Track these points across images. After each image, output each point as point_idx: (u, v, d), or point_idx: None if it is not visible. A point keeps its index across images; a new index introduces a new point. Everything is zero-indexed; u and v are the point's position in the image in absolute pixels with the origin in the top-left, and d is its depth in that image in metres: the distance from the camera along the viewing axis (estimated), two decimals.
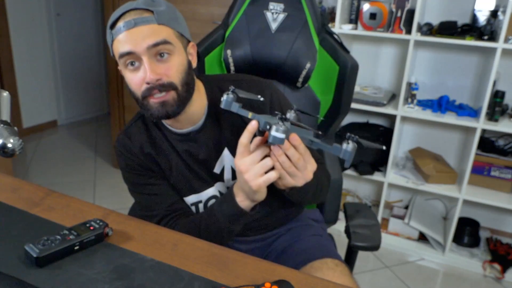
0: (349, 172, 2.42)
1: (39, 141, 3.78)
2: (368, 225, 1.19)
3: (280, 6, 1.25)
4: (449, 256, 2.28)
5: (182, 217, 1.03)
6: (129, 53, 0.85)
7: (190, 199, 1.05)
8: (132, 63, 0.86)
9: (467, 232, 2.35)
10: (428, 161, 2.33)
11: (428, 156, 2.41)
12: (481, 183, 2.24)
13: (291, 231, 1.14)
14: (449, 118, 2.13)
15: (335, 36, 1.29)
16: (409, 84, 2.24)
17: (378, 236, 1.15)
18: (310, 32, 1.25)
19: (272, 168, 0.81)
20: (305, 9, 1.25)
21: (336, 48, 1.26)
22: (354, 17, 2.27)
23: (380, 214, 2.44)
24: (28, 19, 3.67)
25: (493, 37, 2.02)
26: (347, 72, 1.24)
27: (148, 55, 0.84)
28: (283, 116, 0.75)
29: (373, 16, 2.17)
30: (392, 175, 2.36)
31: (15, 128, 0.83)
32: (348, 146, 0.74)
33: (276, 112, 0.78)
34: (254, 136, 0.81)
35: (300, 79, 1.26)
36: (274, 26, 1.25)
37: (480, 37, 2.04)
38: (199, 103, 0.97)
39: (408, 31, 2.11)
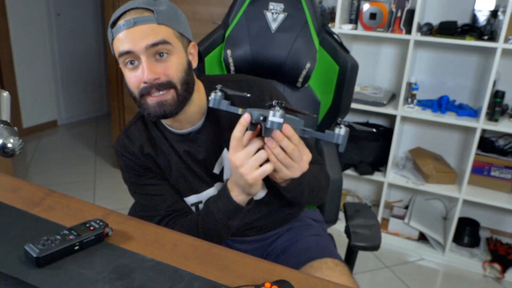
0: (349, 172, 2.42)
1: (39, 141, 3.78)
2: (368, 225, 1.19)
3: (280, 6, 1.25)
4: (449, 256, 2.28)
5: (182, 217, 1.03)
6: (128, 52, 0.85)
7: (190, 199, 1.05)
8: (131, 62, 0.86)
9: (467, 232, 2.35)
10: (428, 161, 2.33)
11: (428, 156, 2.41)
12: (481, 183, 2.24)
13: (291, 231, 1.14)
14: (449, 118, 2.13)
15: (335, 36, 1.29)
16: (409, 84, 2.24)
17: (378, 236, 1.15)
18: (310, 32, 1.25)
19: (267, 161, 0.81)
20: (305, 9, 1.25)
21: (336, 48, 1.26)
22: (354, 17, 2.27)
23: (380, 214, 2.44)
24: (28, 19, 3.67)
25: (493, 37, 2.02)
26: (347, 72, 1.24)
27: (147, 55, 0.84)
28: (279, 102, 0.75)
29: (373, 16, 2.17)
30: (392, 175, 2.36)
31: (15, 128, 0.83)
32: (341, 131, 0.75)
33: (268, 103, 0.78)
34: (247, 130, 0.81)
35: (300, 79, 1.26)
36: (274, 26, 1.25)
37: (480, 37, 2.04)
38: (199, 103, 0.97)
39: (408, 31, 2.11)
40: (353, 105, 2.23)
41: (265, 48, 1.25)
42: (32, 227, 0.87)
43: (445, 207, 2.56)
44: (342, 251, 1.22)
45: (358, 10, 2.22)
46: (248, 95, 0.85)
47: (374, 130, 0.78)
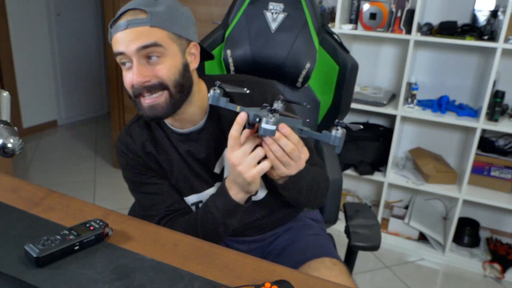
0: (349, 172, 2.42)
1: (39, 141, 3.78)
2: (368, 225, 1.19)
3: (279, 6, 1.25)
4: (449, 256, 2.28)
5: (182, 217, 1.03)
6: (121, 53, 0.86)
7: (190, 199, 1.05)
8: (126, 63, 0.87)
9: (467, 232, 2.35)
10: (428, 161, 2.33)
11: (428, 156, 2.41)
12: (481, 183, 2.24)
13: (290, 231, 1.14)
14: (449, 118, 2.13)
15: (335, 36, 1.29)
16: (409, 84, 2.24)
17: (378, 236, 1.15)
18: (310, 32, 1.25)
19: (265, 158, 0.81)
20: (305, 9, 1.25)
21: (336, 48, 1.26)
22: (354, 17, 2.27)
23: (380, 214, 2.44)
24: (28, 19, 3.67)
25: (493, 37, 2.02)
26: (347, 72, 1.24)
27: (138, 57, 0.85)
28: (272, 108, 0.76)
29: (373, 16, 2.17)
30: (392, 175, 2.36)
31: (15, 128, 0.83)
32: (338, 132, 0.76)
33: (265, 104, 0.78)
34: (244, 128, 0.81)
35: (300, 79, 1.26)
36: (274, 26, 1.25)
37: (480, 37, 2.04)
38: (200, 103, 0.97)
39: (408, 31, 2.11)
40: (353, 105, 2.23)
41: (265, 48, 1.25)
42: (32, 227, 0.87)
43: (445, 207, 2.56)
44: (342, 251, 1.22)
45: (358, 10, 2.22)
46: (247, 91, 0.85)
47: (361, 126, 0.80)
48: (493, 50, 1.96)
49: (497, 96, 2.05)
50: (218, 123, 0.99)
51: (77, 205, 0.98)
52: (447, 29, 2.08)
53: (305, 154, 0.82)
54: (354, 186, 2.76)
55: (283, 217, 1.14)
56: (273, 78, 1.28)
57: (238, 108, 0.80)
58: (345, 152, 2.41)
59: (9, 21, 3.51)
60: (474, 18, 2.15)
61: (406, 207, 2.55)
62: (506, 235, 2.44)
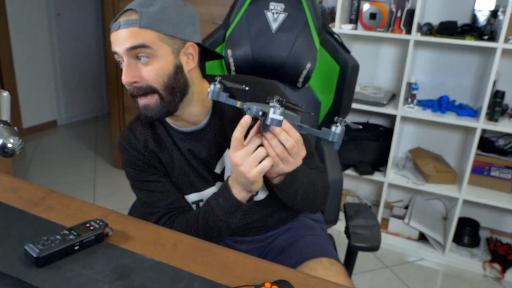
0: (349, 172, 2.42)
1: (39, 141, 3.78)
2: (368, 226, 1.19)
3: (280, 6, 1.25)
4: (449, 256, 2.28)
5: (182, 215, 1.03)
6: (115, 53, 0.88)
7: (191, 197, 1.05)
8: (121, 62, 0.89)
9: (467, 232, 2.35)
10: (428, 161, 2.33)
11: (428, 156, 2.41)
12: (481, 183, 2.24)
13: (290, 231, 1.14)
14: (449, 118, 2.13)
15: (336, 36, 1.29)
16: (409, 84, 2.24)
17: (377, 236, 1.15)
18: (311, 32, 1.25)
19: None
20: (306, 9, 1.25)
21: (336, 48, 1.26)
22: (354, 17, 2.27)
23: (380, 214, 2.44)
24: (28, 19, 3.67)
25: (493, 37, 2.02)
26: (347, 72, 1.24)
27: (127, 57, 0.86)
28: (280, 99, 0.76)
29: (373, 16, 2.17)
30: (392, 175, 2.36)
31: (15, 128, 0.83)
32: (337, 129, 0.76)
33: (269, 98, 0.79)
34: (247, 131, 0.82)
35: (301, 79, 1.26)
36: (274, 26, 1.25)
37: (480, 37, 2.04)
38: (202, 103, 0.97)
39: (408, 31, 2.11)
40: (353, 105, 2.23)
41: (266, 48, 1.25)
42: (32, 227, 0.87)
43: (445, 207, 2.56)
44: (342, 251, 1.22)
45: (358, 10, 2.22)
46: (246, 88, 0.85)
47: (361, 126, 0.81)
48: (493, 50, 1.96)
49: (497, 96, 2.05)
50: (220, 123, 1.00)
51: (77, 205, 0.98)
52: (447, 29, 2.08)
53: (303, 152, 0.82)
54: (354, 186, 2.76)
55: (283, 218, 1.14)
56: (274, 78, 1.28)
57: (238, 104, 0.80)
58: (345, 152, 2.41)
59: (9, 21, 3.51)
60: (474, 18, 2.15)
61: (406, 207, 2.55)
62: (506, 235, 2.44)
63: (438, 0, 2.25)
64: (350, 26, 2.23)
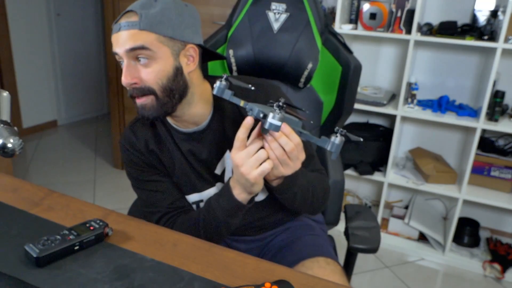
0: (349, 172, 2.42)
1: (39, 141, 3.78)
2: (368, 227, 1.18)
3: (282, 6, 1.25)
4: (449, 256, 2.28)
5: (183, 215, 1.03)
6: (116, 54, 0.88)
7: (192, 197, 1.05)
8: (122, 62, 0.89)
9: (467, 232, 2.35)
10: (428, 161, 2.33)
11: (428, 156, 2.41)
12: (481, 183, 2.24)
13: (289, 231, 1.14)
14: (449, 118, 2.13)
15: (339, 37, 1.28)
16: (409, 84, 2.24)
17: (377, 238, 1.14)
18: (313, 32, 1.25)
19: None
20: (307, 9, 1.25)
21: (339, 49, 1.26)
22: (354, 17, 2.27)
23: (380, 214, 2.44)
24: (28, 19, 3.67)
25: (493, 37, 2.02)
26: (350, 73, 1.23)
27: (127, 58, 0.86)
28: (280, 104, 0.76)
29: (373, 16, 2.17)
30: (392, 175, 2.36)
31: (15, 128, 0.83)
32: (336, 139, 0.76)
33: (271, 101, 0.79)
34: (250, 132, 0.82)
35: (302, 80, 1.26)
36: (276, 26, 1.25)
37: (480, 37, 2.04)
38: (203, 105, 0.97)
39: (408, 31, 2.11)
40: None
41: (267, 48, 1.25)
42: (32, 227, 0.87)
43: (445, 207, 2.56)
44: (343, 252, 1.22)
45: (358, 10, 2.22)
46: (252, 87, 0.86)
47: (361, 139, 0.81)
48: (493, 50, 1.96)
49: (497, 96, 2.05)
50: (221, 124, 1.00)
51: (77, 205, 0.98)
52: (447, 29, 2.08)
53: (302, 156, 0.82)
54: (354, 186, 2.76)
55: (282, 218, 1.14)
56: (275, 78, 1.28)
57: (242, 103, 0.80)
58: (345, 152, 2.41)
59: (9, 21, 3.51)
60: (474, 18, 2.15)
61: (406, 207, 2.55)
62: (506, 235, 2.44)
63: (438, 0, 2.25)
64: (350, 26, 2.23)
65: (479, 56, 2.26)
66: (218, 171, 1.03)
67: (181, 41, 0.89)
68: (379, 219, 2.45)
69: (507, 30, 1.89)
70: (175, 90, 0.90)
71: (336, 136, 0.76)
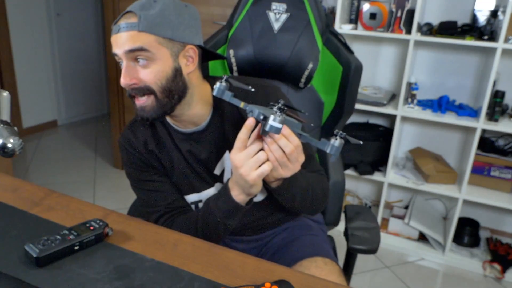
0: (349, 172, 2.42)
1: (39, 141, 3.78)
2: (367, 228, 1.18)
3: (282, 6, 1.25)
4: (449, 256, 2.28)
5: (181, 214, 1.03)
6: (115, 54, 0.88)
7: (190, 197, 1.05)
8: (121, 63, 0.89)
9: (467, 232, 2.35)
10: (428, 161, 2.33)
11: (428, 156, 2.41)
12: (481, 183, 2.24)
13: (287, 231, 1.14)
14: (449, 118, 2.13)
15: (340, 37, 1.28)
16: (409, 84, 2.24)
17: (376, 239, 1.14)
18: (313, 32, 1.25)
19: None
20: (308, 9, 1.25)
21: (340, 49, 1.26)
22: (354, 17, 2.27)
23: (380, 214, 2.44)
24: (28, 19, 3.67)
25: (493, 37, 2.02)
26: (350, 73, 1.23)
27: (127, 59, 0.87)
28: (281, 106, 0.76)
29: (373, 16, 2.17)
30: (392, 175, 2.36)
31: (15, 128, 0.83)
32: (336, 142, 0.76)
33: (272, 103, 0.79)
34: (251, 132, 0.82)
35: (303, 80, 1.26)
36: (276, 26, 1.25)
37: (480, 37, 2.04)
38: (202, 105, 0.97)
39: (408, 31, 2.11)
40: None
41: (268, 48, 1.25)
42: (32, 227, 0.87)
43: (445, 207, 2.56)
44: (343, 253, 1.22)
45: (358, 10, 2.22)
46: (252, 89, 0.86)
47: (361, 142, 0.81)
48: (493, 50, 1.96)
49: (497, 96, 2.05)
50: (221, 125, 0.99)
51: (77, 205, 0.98)
52: (447, 29, 2.08)
53: (302, 158, 0.82)
54: (354, 186, 2.76)
55: (281, 218, 1.14)
56: (276, 78, 1.28)
57: (242, 104, 0.80)
58: (345, 152, 2.41)
59: (9, 21, 3.50)
60: (474, 18, 2.15)
61: (406, 207, 2.55)
62: (506, 235, 2.44)
63: (438, 0, 2.25)
64: (350, 26, 2.23)
65: (479, 56, 2.26)
66: (217, 171, 1.03)
67: (181, 42, 0.89)
68: (379, 219, 2.46)
69: (507, 30, 1.89)
70: (174, 90, 0.90)
71: (336, 139, 0.76)
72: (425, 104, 2.28)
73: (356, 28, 2.25)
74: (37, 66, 3.85)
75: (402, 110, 2.21)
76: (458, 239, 2.35)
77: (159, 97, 0.89)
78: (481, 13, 2.12)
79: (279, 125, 0.75)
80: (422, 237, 2.40)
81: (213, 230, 0.96)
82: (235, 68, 1.27)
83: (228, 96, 0.82)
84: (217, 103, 0.99)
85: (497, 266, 2.16)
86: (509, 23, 1.88)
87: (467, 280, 2.17)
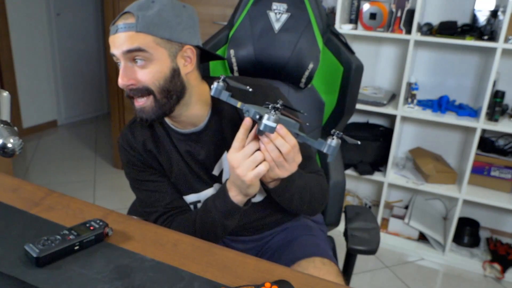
0: (349, 172, 2.42)
1: (39, 141, 3.78)
2: (367, 228, 1.18)
3: (283, 6, 1.25)
4: (449, 256, 2.28)
5: (180, 215, 1.03)
6: (113, 55, 0.88)
7: (189, 198, 1.05)
8: (119, 63, 0.89)
9: (467, 232, 2.35)
10: (428, 161, 2.33)
11: (428, 156, 2.41)
12: (481, 183, 2.24)
13: (286, 231, 1.14)
14: (449, 118, 2.13)
15: (341, 37, 1.28)
16: (409, 84, 2.24)
17: (376, 239, 1.14)
18: (314, 32, 1.25)
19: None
20: (309, 9, 1.25)
21: (340, 49, 1.26)
22: (354, 17, 2.27)
23: (380, 214, 2.44)
24: (28, 19, 3.67)
25: (493, 37, 2.02)
26: (351, 73, 1.23)
27: (124, 60, 0.87)
28: (275, 106, 0.76)
29: (373, 16, 2.17)
30: (392, 175, 2.36)
31: (15, 128, 0.83)
32: (333, 142, 0.76)
33: (267, 103, 0.79)
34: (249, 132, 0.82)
35: (303, 80, 1.25)
36: (277, 26, 1.25)
37: (480, 37, 2.04)
38: (201, 106, 0.97)
39: (408, 31, 2.11)
40: None
41: (268, 48, 1.25)
42: (32, 227, 0.87)
43: (445, 207, 2.56)
44: (343, 253, 1.22)
45: (358, 10, 2.22)
46: (250, 89, 0.86)
47: (359, 142, 0.81)
48: (493, 50, 1.96)
49: (497, 96, 2.05)
50: (219, 125, 0.99)
51: (77, 205, 0.98)
52: (447, 29, 2.08)
53: (298, 158, 0.82)
54: (354, 186, 2.76)
55: (280, 219, 1.14)
56: (276, 79, 1.28)
57: (239, 104, 0.80)
58: (345, 152, 2.41)
59: (9, 21, 3.50)
60: (474, 18, 2.15)
61: (406, 207, 2.55)
62: (506, 235, 2.44)
63: (438, 0, 2.25)
64: (350, 26, 2.23)
65: (479, 56, 2.26)
66: (215, 172, 1.03)
67: (178, 43, 0.89)
68: (379, 219, 2.46)
69: (507, 30, 1.89)
70: (173, 91, 0.90)
71: (333, 139, 0.76)
72: (425, 104, 2.28)
73: (356, 28, 2.25)
74: (37, 66, 3.85)
75: (402, 110, 2.21)
76: (458, 239, 2.35)
77: (158, 98, 0.89)
78: (481, 13, 2.12)
79: (273, 124, 0.75)
80: (422, 237, 2.40)
81: (211, 231, 0.96)
82: (235, 68, 1.27)
83: (225, 96, 0.82)
84: (216, 104, 0.99)
85: (497, 266, 2.16)
86: (509, 23, 1.88)
87: (467, 280, 2.17)
